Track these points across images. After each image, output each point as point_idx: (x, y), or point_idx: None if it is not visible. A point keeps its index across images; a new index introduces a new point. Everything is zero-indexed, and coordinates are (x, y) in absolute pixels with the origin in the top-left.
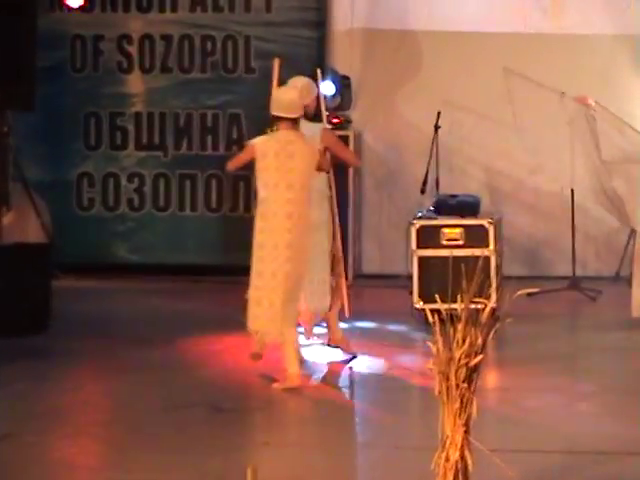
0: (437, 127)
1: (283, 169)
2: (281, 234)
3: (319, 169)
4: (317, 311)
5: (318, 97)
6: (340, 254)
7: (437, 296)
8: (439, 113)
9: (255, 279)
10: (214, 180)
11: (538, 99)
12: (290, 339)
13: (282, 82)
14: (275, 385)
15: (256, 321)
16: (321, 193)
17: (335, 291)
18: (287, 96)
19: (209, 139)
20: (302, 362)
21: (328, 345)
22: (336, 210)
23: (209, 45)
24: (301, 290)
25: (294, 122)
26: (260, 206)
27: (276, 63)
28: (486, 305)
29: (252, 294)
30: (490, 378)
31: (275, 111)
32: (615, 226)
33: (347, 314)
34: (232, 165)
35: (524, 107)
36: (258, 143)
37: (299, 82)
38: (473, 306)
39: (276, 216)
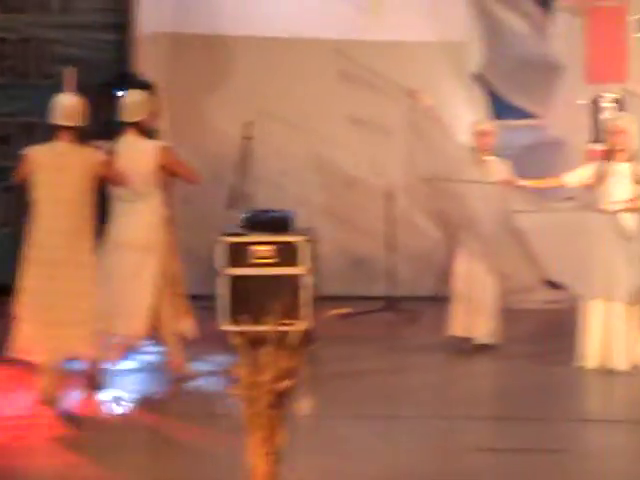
0: (248, 138)
1: (55, 182)
2: (55, 250)
3: (112, 183)
4: (128, 335)
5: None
6: (180, 275)
7: (245, 317)
8: (250, 123)
9: (27, 297)
10: (7, 193)
11: (368, 102)
12: (85, 359)
13: (78, 92)
14: (57, 411)
15: (30, 342)
16: (152, 213)
17: (174, 312)
18: (66, 103)
19: (1, 149)
20: (99, 388)
21: (165, 369)
22: (174, 229)
23: (1, 48)
24: (91, 310)
25: (73, 132)
26: (34, 221)
27: (69, 73)
28: (297, 327)
29: (23, 314)
30: (303, 404)
31: (54, 119)
32: (434, 243)
33: (191, 335)
34: (16, 178)
35: (352, 111)
36: (32, 153)
37: (134, 96)
38: (284, 328)
39: (50, 232)
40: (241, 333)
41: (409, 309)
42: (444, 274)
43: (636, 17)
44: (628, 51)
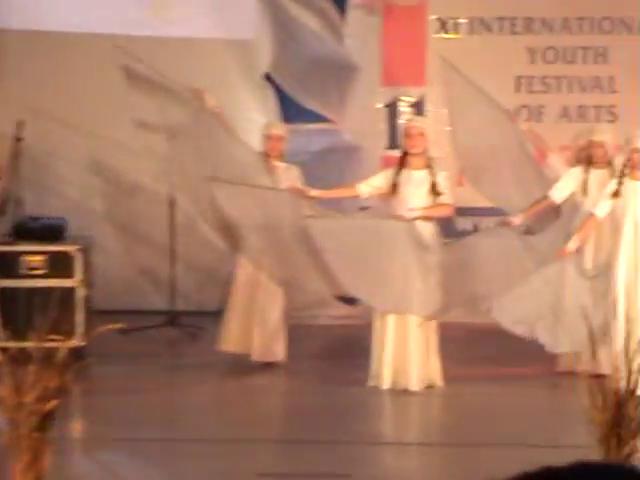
0: (19, 139)
1: None
2: None
3: None
4: None
5: None
6: None
7: (10, 333)
8: (22, 123)
9: None
10: None
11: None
12: None
13: None
14: None
15: None
16: None
17: None
18: None
19: None
20: None
21: None
22: None
23: None
24: None
25: None
26: None
27: None
28: (67, 343)
29: None
30: (72, 426)
31: None
32: (220, 254)
33: None
34: None
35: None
36: None
37: None
38: (52, 344)
39: None
40: (4, 350)
41: (191, 324)
42: (229, 287)
43: (435, 17)
44: (427, 53)
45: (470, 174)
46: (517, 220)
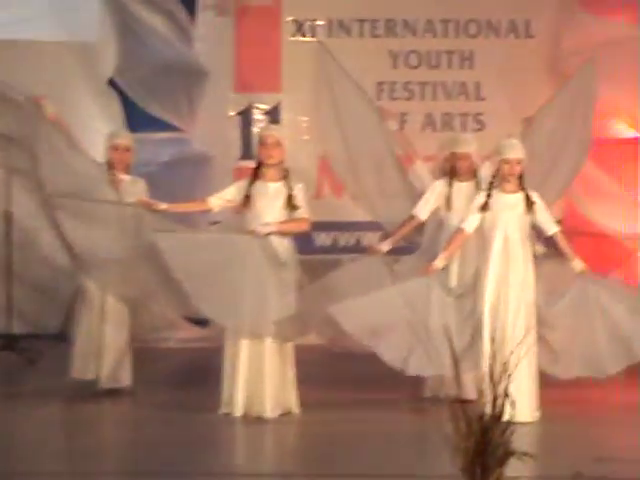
0: None
1: None
2: None
3: None
4: None
5: None
6: None
7: None
8: None
9: None
10: None
11: None
12: None
13: None
14: None
15: None
16: None
17: None
18: None
19: None
20: None
21: None
22: None
23: None
24: None
25: None
26: None
27: None
28: None
29: None
30: None
31: None
32: (62, 272)
33: None
34: None
35: None
36: None
37: None
38: None
39: None
40: None
41: (29, 348)
42: (72, 308)
43: (291, 19)
44: (282, 57)
45: (340, 177)
46: (384, 247)
